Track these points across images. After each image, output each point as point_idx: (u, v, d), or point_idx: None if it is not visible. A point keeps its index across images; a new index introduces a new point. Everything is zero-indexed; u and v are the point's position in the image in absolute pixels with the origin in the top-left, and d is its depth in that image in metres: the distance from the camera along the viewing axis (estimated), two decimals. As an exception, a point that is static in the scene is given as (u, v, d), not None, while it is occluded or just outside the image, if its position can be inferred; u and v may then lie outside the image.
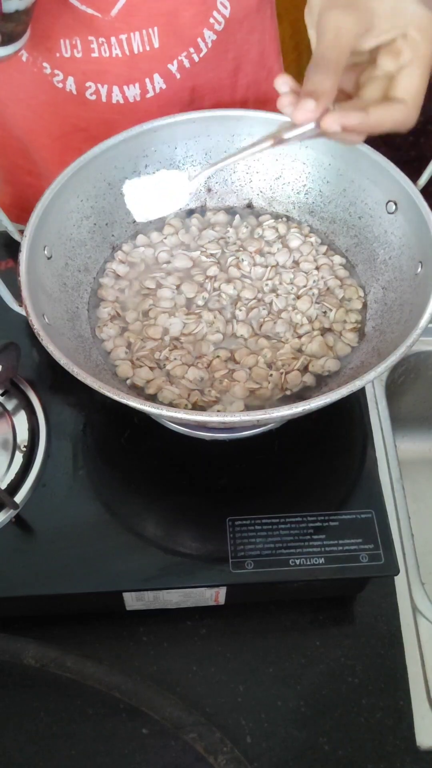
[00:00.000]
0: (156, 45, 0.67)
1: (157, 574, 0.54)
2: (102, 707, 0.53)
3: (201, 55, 0.70)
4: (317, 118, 0.45)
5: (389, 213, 0.63)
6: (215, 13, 0.68)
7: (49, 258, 0.59)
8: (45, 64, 0.69)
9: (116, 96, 0.71)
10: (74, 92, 0.70)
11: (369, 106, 0.46)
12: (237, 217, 0.70)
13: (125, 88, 0.70)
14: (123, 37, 0.66)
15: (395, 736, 0.52)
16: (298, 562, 0.54)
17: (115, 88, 0.70)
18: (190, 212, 0.71)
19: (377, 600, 0.58)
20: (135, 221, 0.69)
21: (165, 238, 0.69)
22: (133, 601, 0.55)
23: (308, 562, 0.54)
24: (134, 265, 0.67)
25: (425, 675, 0.56)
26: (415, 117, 0.48)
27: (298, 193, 0.70)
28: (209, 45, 0.70)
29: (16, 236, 0.62)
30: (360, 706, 0.54)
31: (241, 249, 0.67)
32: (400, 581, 0.59)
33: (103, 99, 0.71)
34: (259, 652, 0.56)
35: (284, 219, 0.70)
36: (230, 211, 0.71)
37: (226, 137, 0.68)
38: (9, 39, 0.57)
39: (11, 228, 0.62)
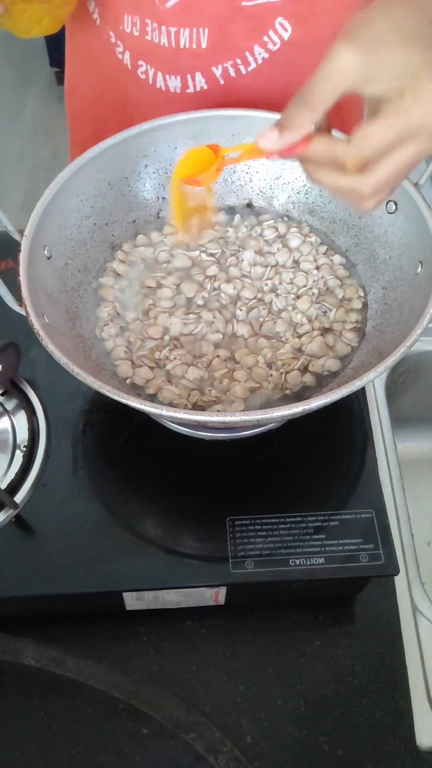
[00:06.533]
0: (203, 45, 0.68)
1: (157, 574, 0.54)
2: (102, 707, 0.53)
3: (249, 68, 0.70)
4: (281, 150, 0.45)
5: (389, 213, 0.63)
6: (271, 33, 0.67)
7: (49, 258, 0.59)
8: (111, 33, 0.72)
9: (160, 82, 0.72)
10: (129, 67, 0.73)
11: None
12: (237, 216, 0.70)
13: (167, 77, 0.71)
14: (173, 29, 0.67)
15: (395, 736, 0.52)
16: (298, 561, 0.54)
17: (159, 74, 0.71)
18: (190, 212, 0.71)
19: (377, 600, 0.58)
20: (135, 221, 0.69)
21: (165, 238, 0.69)
22: (133, 601, 0.55)
23: (308, 562, 0.54)
24: (134, 264, 0.67)
25: (425, 675, 0.56)
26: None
27: (298, 193, 0.70)
28: (259, 61, 0.69)
29: (16, 236, 0.62)
30: (360, 706, 0.54)
31: (240, 249, 0.67)
32: (400, 581, 0.59)
33: (150, 81, 0.72)
34: (259, 652, 0.56)
35: (284, 219, 0.70)
36: (230, 211, 0.71)
37: (226, 137, 0.68)
38: None
39: (11, 228, 0.62)
